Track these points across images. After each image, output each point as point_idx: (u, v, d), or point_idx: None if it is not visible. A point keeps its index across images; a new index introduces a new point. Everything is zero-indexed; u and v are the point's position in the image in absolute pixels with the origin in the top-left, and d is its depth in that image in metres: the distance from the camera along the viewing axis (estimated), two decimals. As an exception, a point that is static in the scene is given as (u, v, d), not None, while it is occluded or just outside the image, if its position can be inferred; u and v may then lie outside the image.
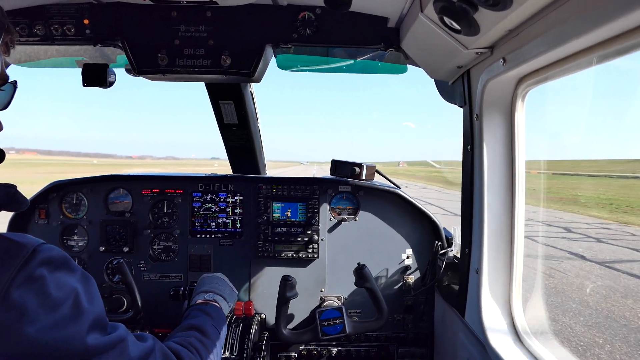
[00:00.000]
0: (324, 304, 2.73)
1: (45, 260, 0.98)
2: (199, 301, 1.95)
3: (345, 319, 2.39)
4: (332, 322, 2.39)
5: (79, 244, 2.84)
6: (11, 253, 0.95)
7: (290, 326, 2.77)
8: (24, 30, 2.01)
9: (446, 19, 1.38)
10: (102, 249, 2.77)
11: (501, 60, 1.47)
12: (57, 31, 2.02)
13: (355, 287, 2.76)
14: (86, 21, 2.02)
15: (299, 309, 2.76)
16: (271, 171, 3.79)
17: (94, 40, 2.05)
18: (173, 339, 1.54)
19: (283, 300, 2.37)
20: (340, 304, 2.74)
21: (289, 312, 2.44)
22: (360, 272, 2.39)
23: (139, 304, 2.42)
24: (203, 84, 2.55)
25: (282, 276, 2.36)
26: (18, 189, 1.15)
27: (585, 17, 1.03)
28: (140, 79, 2.22)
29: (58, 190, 2.83)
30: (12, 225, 2.77)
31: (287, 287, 2.34)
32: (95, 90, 2.16)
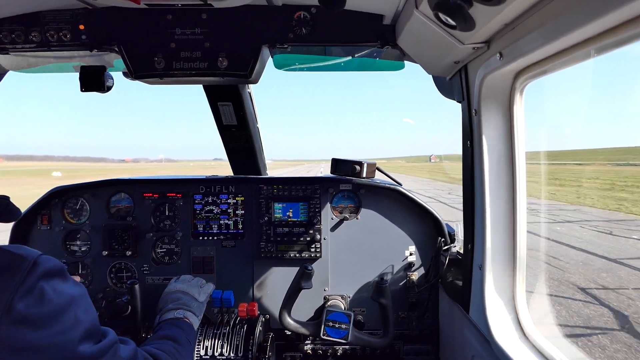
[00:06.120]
0: (328, 304, 2.73)
1: (45, 272, 1.02)
2: (170, 317, 1.97)
3: (350, 327, 2.37)
4: (337, 325, 2.37)
5: (82, 249, 2.84)
6: (12, 266, 0.98)
7: None
8: (19, 37, 2.01)
9: (441, 15, 1.36)
10: (105, 253, 2.78)
11: (498, 54, 1.45)
12: (53, 37, 2.02)
13: (360, 286, 2.76)
14: (82, 27, 2.01)
15: (302, 309, 2.75)
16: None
17: (90, 46, 2.05)
18: (150, 344, 1.59)
19: (296, 288, 2.36)
20: (345, 303, 2.74)
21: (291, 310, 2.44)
22: (380, 287, 2.38)
23: (138, 325, 2.43)
24: (200, 86, 2.55)
25: (303, 264, 2.37)
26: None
27: (581, 9, 1.01)
28: (131, 82, 2.22)
29: (60, 196, 2.84)
30: (15, 232, 2.78)
31: (304, 276, 2.33)
32: (87, 94, 2.16)
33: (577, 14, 1.03)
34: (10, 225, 2.73)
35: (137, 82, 2.19)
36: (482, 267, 1.89)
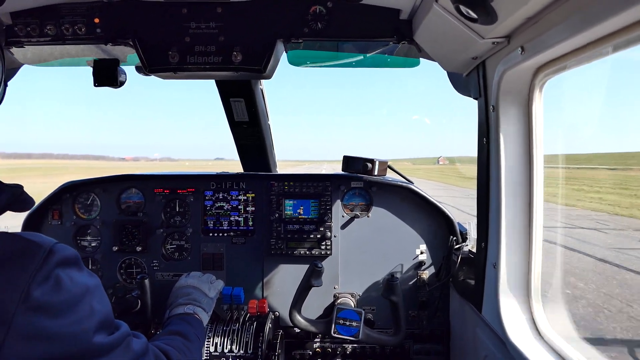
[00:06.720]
0: (338, 301, 2.71)
1: (61, 260, 1.01)
2: (179, 312, 1.96)
3: (361, 325, 2.36)
4: (347, 323, 2.36)
5: (92, 244, 2.85)
6: (29, 253, 0.97)
7: None
8: (34, 30, 2.00)
9: (462, 8, 1.35)
10: (115, 248, 2.78)
11: (519, 49, 1.43)
12: (67, 31, 2.01)
13: (370, 284, 2.74)
14: (97, 20, 2.01)
15: (312, 307, 2.73)
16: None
17: (105, 39, 2.04)
18: (159, 340, 1.59)
19: (306, 286, 2.35)
20: (355, 301, 2.73)
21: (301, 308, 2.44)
22: (391, 284, 2.36)
23: (148, 321, 2.48)
24: (210, 81, 2.54)
25: (312, 262, 2.36)
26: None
27: (607, 1, 1.00)
28: (134, 79, 2.21)
29: (71, 191, 2.84)
30: (27, 226, 2.79)
31: (314, 274, 2.32)
32: (89, 91, 2.17)
33: (603, 6, 1.01)
34: (21, 220, 2.75)
35: (145, 79, 2.19)
36: (496, 266, 1.87)
